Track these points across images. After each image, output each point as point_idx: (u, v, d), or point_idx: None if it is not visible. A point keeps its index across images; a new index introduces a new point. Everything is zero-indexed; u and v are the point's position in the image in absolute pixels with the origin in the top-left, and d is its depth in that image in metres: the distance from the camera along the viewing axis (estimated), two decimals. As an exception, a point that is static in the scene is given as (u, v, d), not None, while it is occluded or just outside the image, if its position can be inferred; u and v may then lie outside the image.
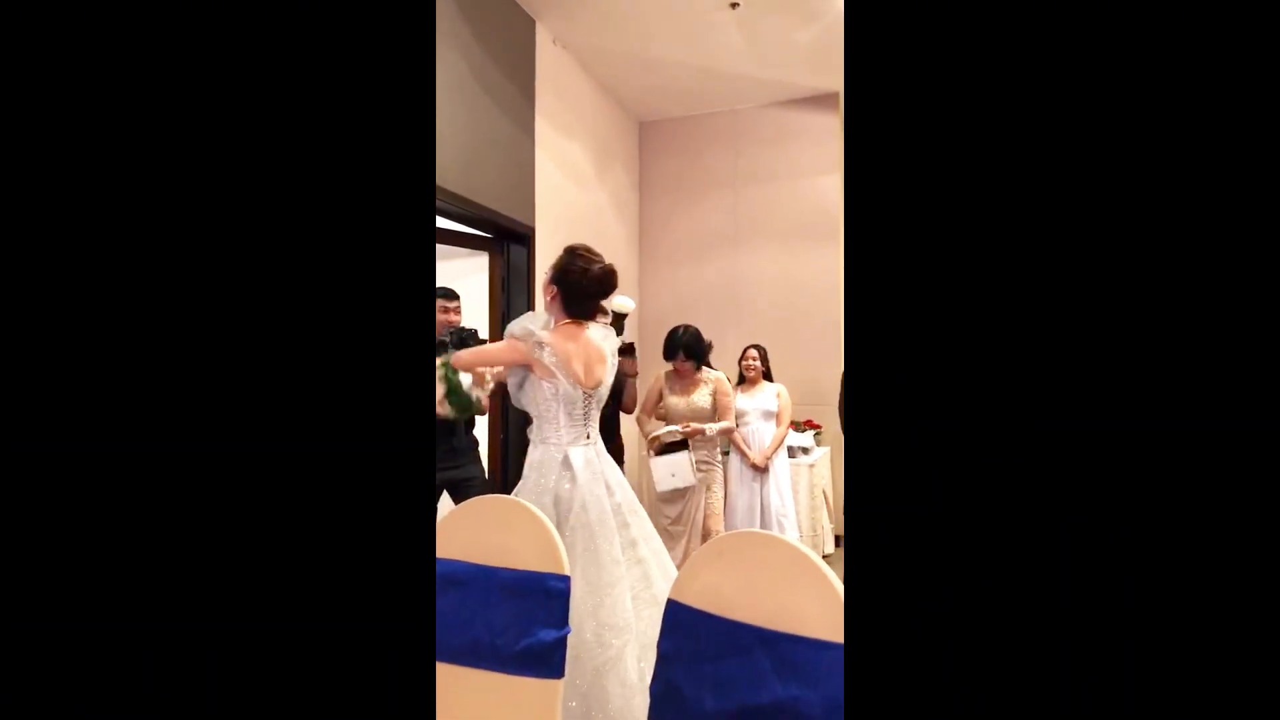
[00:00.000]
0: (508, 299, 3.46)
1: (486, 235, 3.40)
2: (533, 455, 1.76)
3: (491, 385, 1.86)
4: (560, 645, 1.08)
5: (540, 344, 1.71)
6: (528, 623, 1.10)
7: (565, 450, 1.72)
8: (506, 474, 3.21)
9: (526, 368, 1.75)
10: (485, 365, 1.80)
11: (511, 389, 1.81)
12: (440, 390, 1.75)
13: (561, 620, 1.09)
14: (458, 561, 1.18)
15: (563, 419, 1.73)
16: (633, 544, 1.69)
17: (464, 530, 1.20)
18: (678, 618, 0.99)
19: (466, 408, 1.80)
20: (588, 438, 1.76)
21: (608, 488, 1.71)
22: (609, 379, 1.80)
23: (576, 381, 1.73)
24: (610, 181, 4.32)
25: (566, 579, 1.10)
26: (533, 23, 3.51)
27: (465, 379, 1.77)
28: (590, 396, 1.76)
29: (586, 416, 1.76)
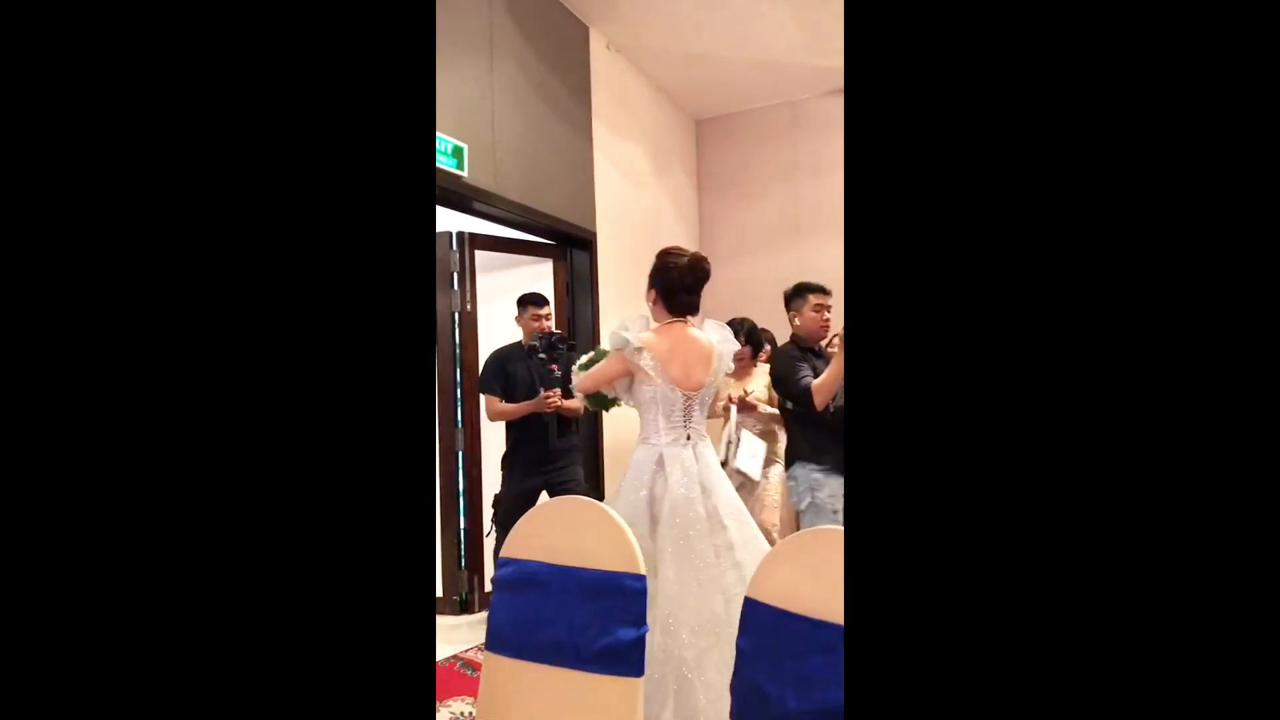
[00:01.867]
0: (572, 304, 3.50)
1: (550, 242, 3.46)
2: (634, 454, 1.80)
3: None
4: (639, 644, 1.09)
5: (638, 349, 1.74)
6: (606, 622, 1.11)
7: (661, 450, 1.74)
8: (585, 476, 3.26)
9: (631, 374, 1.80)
10: (601, 384, 1.88)
11: (620, 390, 1.88)
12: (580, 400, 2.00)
13: (640, 619, 1.10)
14: (537, 562, 1.20)
15: (661, 421, 1.76)
16: (730, 547, 1.68)
17: (542, 532, 1.22)
18: (755, 616, 0.99)
19: (604, 403, 2.00)
20: (688, 439, 1.77)
21: (703, 489, 1.71)
22: (713, 379, 1.82)
23: (674, 383, 1.75)
24: (669, 181, 4.32)
25: (643, 578, 1.11)
26: (586, 29, 3.54)
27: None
28: (690, 398, 1.77)
29: (686, 418, 1.77)
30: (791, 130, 4.46)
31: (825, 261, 4.34)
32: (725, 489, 1.78)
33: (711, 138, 4.68)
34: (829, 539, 0.94)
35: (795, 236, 4.42)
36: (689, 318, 1.84)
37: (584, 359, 2.08)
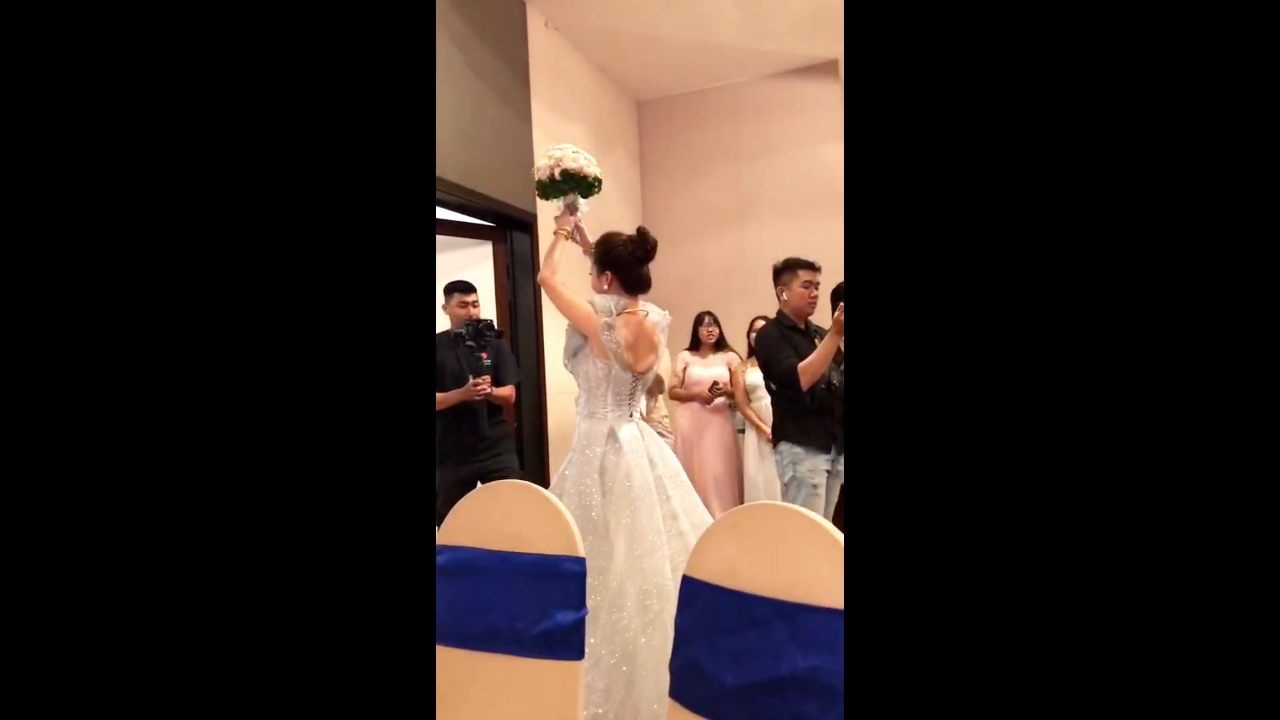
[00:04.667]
0: (513, 287, 3.45)
1: (489, 224, 3.38)
2: (580, 428, 1.84)
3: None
4: (578, 627, 1.08)
5: (609, 326, 1.78)
6: (545, 606, 1.10)
7: (610, 424, 1.79)
8: (521, 464, 3.23)
9: (585, 338, 1.82)
10: (562, 308, 1.85)
11: (565, 352, 1.89)
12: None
13: (579, 602, 1.09)
14: (473, 548, 1.18)
15: (610, 398, 1.82)
16: (674, 516, 1.74)
17: (478, 517, 1.20)
18: (693, 594, 0.98)
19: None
20: (631, 416, 1.84)
21: (650, 460, 1.78)
22: (658, 365, 1.89)
23: (627, 368, 1.80)
24: (611, 163, 4.28)
25: (582, 560, 1.10)
26: (523, 6, 3.47)
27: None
28: (637, 380, 1.84)
29: (632, 396, 1.84)
30: (734, 113, 4.48)
31: (770, 244, 4.39)
32: (670, 460, 1.84)
33: (654, 120, 4.66)
34: (763, 514, 0.94)
35: (739, 219, 4.45)
36: (642, 302, 1.88)
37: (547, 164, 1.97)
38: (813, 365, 2.20)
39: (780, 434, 2.39)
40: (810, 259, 2.42)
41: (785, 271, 2.42)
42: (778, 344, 2.32)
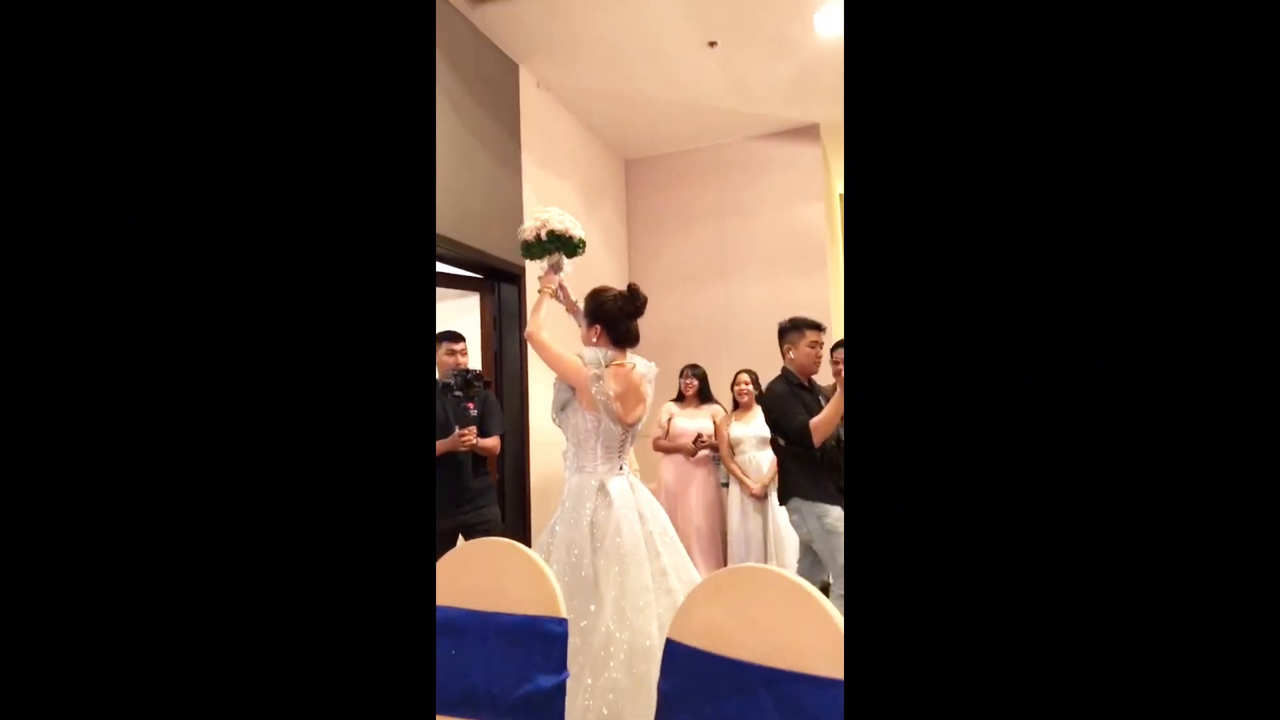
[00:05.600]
0: (500, 339, 3.46)
1: (477, 276, 3.41)
2: (570, 483, 1.83)
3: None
4: (559, 691, 1.05)
5: (598, 378, 1.78)
6: (525, 669, 1.07)
7: (601, 479, 1.78)
8: (503, 516, 3.18)
9: (573, 391, 1.82)
10: (550, 361, 1.85)
11: (553, 406, 1.89)
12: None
13: (560, 665, 1.07)
14: (453, 608, 1.15)
15: (600, 451, 1.81)
16: (663, 573, 1.71)
17: (458, 575, 1.18)
18: (677, 657, 0.97)
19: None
20: (621, 469, 1.83)
21: (640, 516, 1.76)
22: (646, 415, 1.90)
23: (617, 419, 1.80)
24: (599, 219, 4.36)
25: (564, 622, 1.08)
26: (515, 67, 3.57)
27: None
28: (627, 432, 1.84)
29: (621, 449, 1.84)
30: (718, 173, 4.59)
31: (753, 299, 4.46)
32: (660, 517, 1.82)
33: (641, 177, 4.76)
34: (747, 577, 0.94)
35: (723, 275, 4.52)
36: (630, 355, 1.89)
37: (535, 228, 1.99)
38: (824, 422, 2.25)
39: (793, 490, 2.41)
40: (814, 319, 2.49)
41: (792, 331, 2.48)
42: (789, 402, 2.36)
